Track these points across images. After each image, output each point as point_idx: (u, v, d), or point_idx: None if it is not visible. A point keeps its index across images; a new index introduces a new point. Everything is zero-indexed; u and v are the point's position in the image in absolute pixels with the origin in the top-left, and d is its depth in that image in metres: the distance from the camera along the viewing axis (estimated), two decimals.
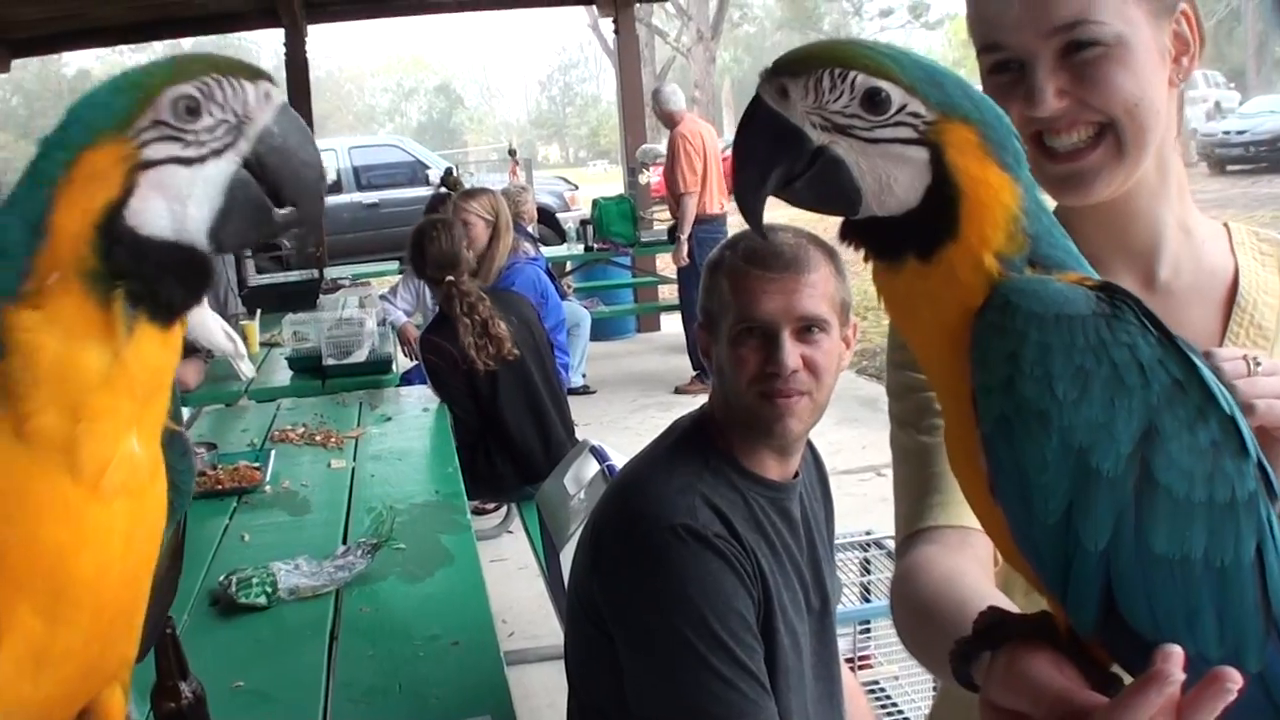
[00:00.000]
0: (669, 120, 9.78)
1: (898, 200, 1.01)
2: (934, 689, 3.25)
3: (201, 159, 0.97)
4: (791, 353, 2.08)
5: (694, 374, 9.73)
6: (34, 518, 0.92)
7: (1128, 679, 0.94)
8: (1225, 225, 1.58)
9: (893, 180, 1.01)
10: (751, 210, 1.06)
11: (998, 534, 1.02)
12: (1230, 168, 21.83)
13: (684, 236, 9.63)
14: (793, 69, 1.01)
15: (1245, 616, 0.95)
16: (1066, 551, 0.95)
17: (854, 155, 1.01)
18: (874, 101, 0.99)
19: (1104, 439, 0.93)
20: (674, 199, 9.79)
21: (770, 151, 1.03)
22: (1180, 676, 0.84)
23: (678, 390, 9.71)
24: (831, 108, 1.00)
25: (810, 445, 2.40)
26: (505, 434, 5.17)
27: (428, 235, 5.31)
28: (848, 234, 1.06)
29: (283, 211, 1.02)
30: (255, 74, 1.00)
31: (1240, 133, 21.94)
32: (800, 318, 2.09)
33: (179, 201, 0.96)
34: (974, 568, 1.38)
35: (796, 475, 2.27)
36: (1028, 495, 0.95)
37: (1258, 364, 1.21)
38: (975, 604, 1.24)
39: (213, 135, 0.97)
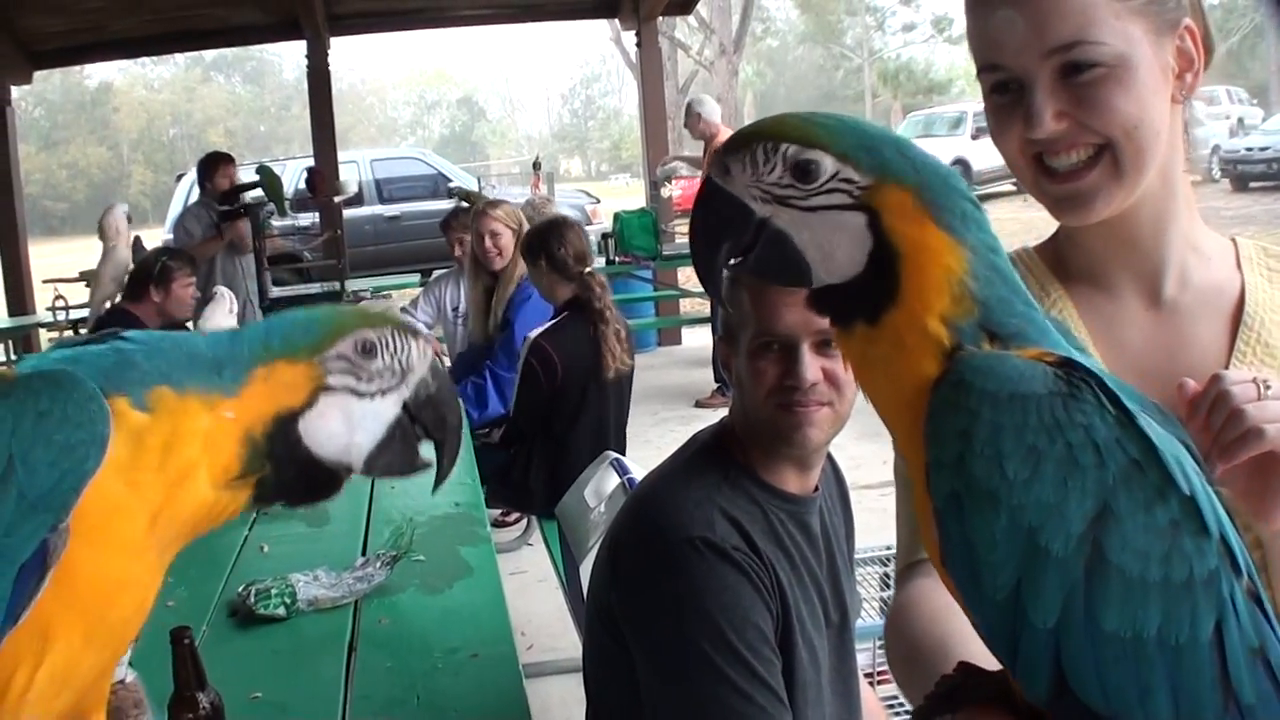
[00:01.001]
0: (707, 131, 9.75)
1: (842, 267, 1.03)
2: None
3: (371, 395, 1.19)
4: (811, 365, 2.07)
5: (715, 387, 9.72)
6: (115, 550, 1.08)
7: None
8: (1233, 240, 1.57)
9: (834, 247, 1.03)
10: (711, 283, 1.09)
11: (954, 594, 1.02)
12: (1253, 184, 21.70)
13: None
14: (732, 146, 1.05)
15: (1201, 693, 0.94)
16: (1015, 627, 0.95)
17: (795, 225, 1.03)
18: (805, 171, 1.02)
19: (1055, 519, 0.93)
20: None
21: (719, 226, 1.06)
22: None
23: (699, 404, 9.72)
24: (767, 180, 1.03)
25: (830, 459, 2.39)
26: (561, 452, 5.08)
27: (565, 225, 5.28)
28: (811, 301, 1.09)
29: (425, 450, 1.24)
30: (415, 332, 1.23)
31: (1263, 149, 21.80)
32: (820, 330, 2.08)
33: (349, 426, 1.18)
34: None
35: (816, 489, 2.26)
36: (976, 571, 0.96)
37: (1268, 387, 1.20)
38: (956, 647, 1.27)
39: (382, 377, 1.20)
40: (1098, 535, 0.93)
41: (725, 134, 9.74)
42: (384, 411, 1.19)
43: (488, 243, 6.18)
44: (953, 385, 0.97)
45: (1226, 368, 1.43)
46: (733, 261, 1.08)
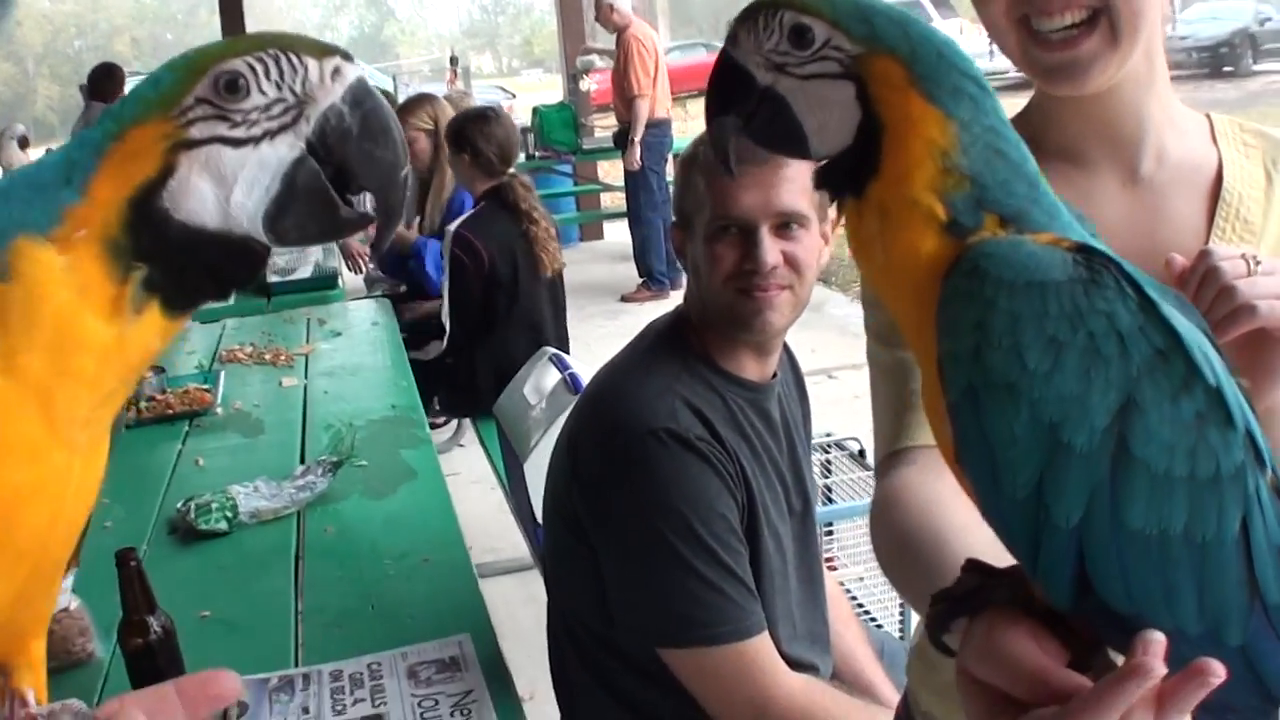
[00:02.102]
0: (619, 22, 9.70)
1: (834, 138, 0.99)
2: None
3: (253, 140, 0.89)
4: (770, 249, 2.01)
5: (640, 281, 9.70)
6: (2, 456, 0.86)
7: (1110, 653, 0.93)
8: (1207, 116, 1.53)
9: (827, 117, 0.99)
10: (721, 151, 1.06)
11: (969, 493, 0.97)
12: (1173, 73, 21.84)
13: (637, 139, 9.61)
14: (742, 14, 1.02)
15: (1227, 592, 0.90)
16: (1036, 527, 0.90)
17: (792, 94, 1.00)
18: (800, 37, 0.98)
19: (1077, 413, 0.88)
20: (624, 103, 9.74)
21: (727, 95, 1.04)
22: (1161, 670, 0.81)
23: (624, 299, 9.68)
24: (767, 47, 1.00)
25: (786, 346, 2.34)
26: (502, 346, 4.98)
27: (494, 118, 5.16)
28: (816, 177, 1.04)
29: (354, 204, 0.94)
30: (323, 50, 0.92)
31: (1182, 38, 21.97)
32: (779, 213, 2.02)
33: (222, 184, 0.89)
34: (952, 495, 1.34)
35: (775, 376, 2.21)
36: (995, 469, 0.90)
37: (1257, 263, 1.16)
38: (953, 541, 1.22)
39: (266, 115, 0.90)
40: (1122, 429, 0.88)
41: (636, 24, 9.75)
42: (273, 156, 0.90)
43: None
44: (966, 273, 0.91)
45: (1206, 244, 1.39)
46: (739, 131, 1.04)
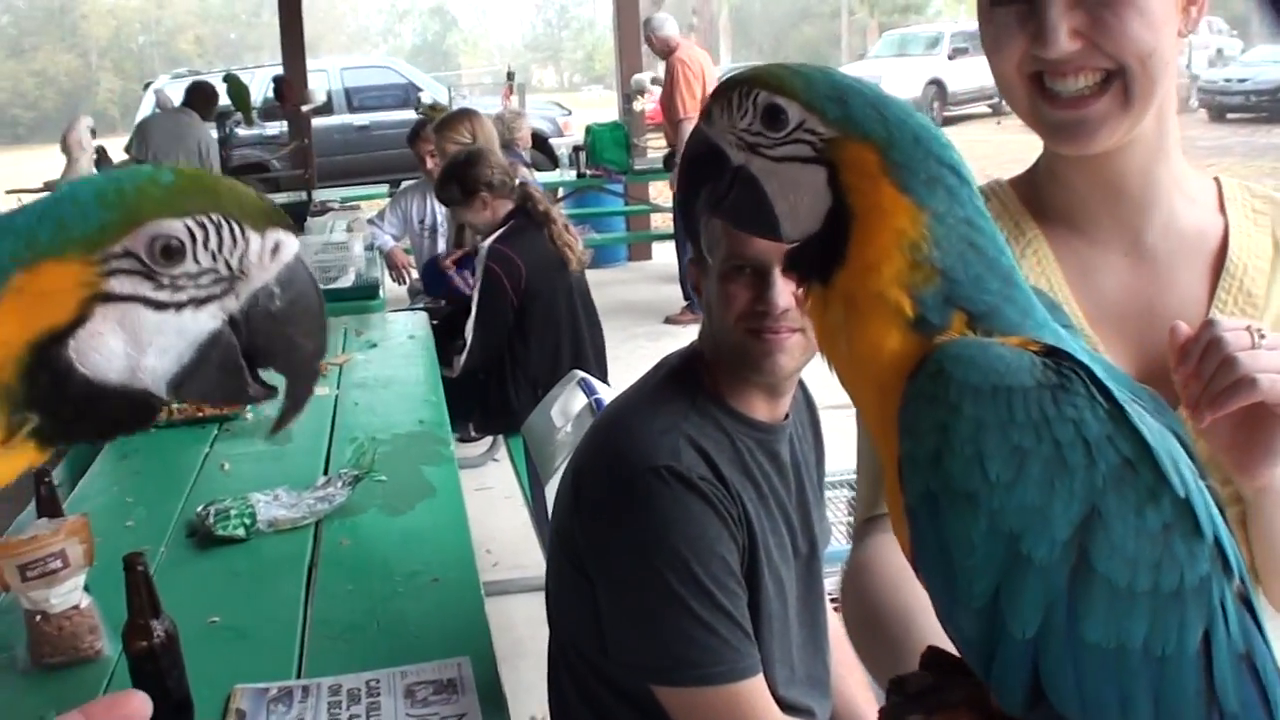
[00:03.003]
0: (664, 47, 9.70)
1: (805, 223, 0.98)
2: None
3: (177, 306, 0.83)
4: (783, 291, 2.01)
5: (685, 304, 9.68)
6: None
7: None
8: (1216, 180, 1.51)
9: (799, 201, 0.97)
10: (689, 229, 1.09)
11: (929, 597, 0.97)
12: (1230, 115, 21.68)
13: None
14: (716, 92, 1.01)
15: (1184, 704, 0.90)
16: (991, 636, 0.89)
17: (765, 175, 0.98)
18: (774, 118, 0.97)
19: (1039, 524, 0.87)
20: (671, 125, 9.73)
21: (699, 171, 1.02)
22: None
23: (668, 320, 9.68)
24: (740, 126, 0.98)
25: (802, 385, 2.34)
26: (531, 363, 5.04)
27: (480, 156, 5.27)
28: (785, 259, 1.03)
29: (261, 381, 0.89)
30: (268, 221, 0.86)
31: (1241, 80, 21.76)
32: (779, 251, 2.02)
33: (136, 346, 0.83)
34: None
35: (787, 417, 2.22)
36: (951, 576, 0.90)
37: (1262, 336, 1.16)
38: (919, 619, 1.21)
39: (195, 283, 0.84)
40: (1084, 542, 0.87)
41: (684, 47, 9.74)
42: (194, 326, 0.84)
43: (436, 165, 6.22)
44: (931, 375, 0.90)
45: (1207, 314, 1.38)
46: (711, 208, 1.03)
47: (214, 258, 0.84)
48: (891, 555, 1.35)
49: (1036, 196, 1.49)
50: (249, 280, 0.85)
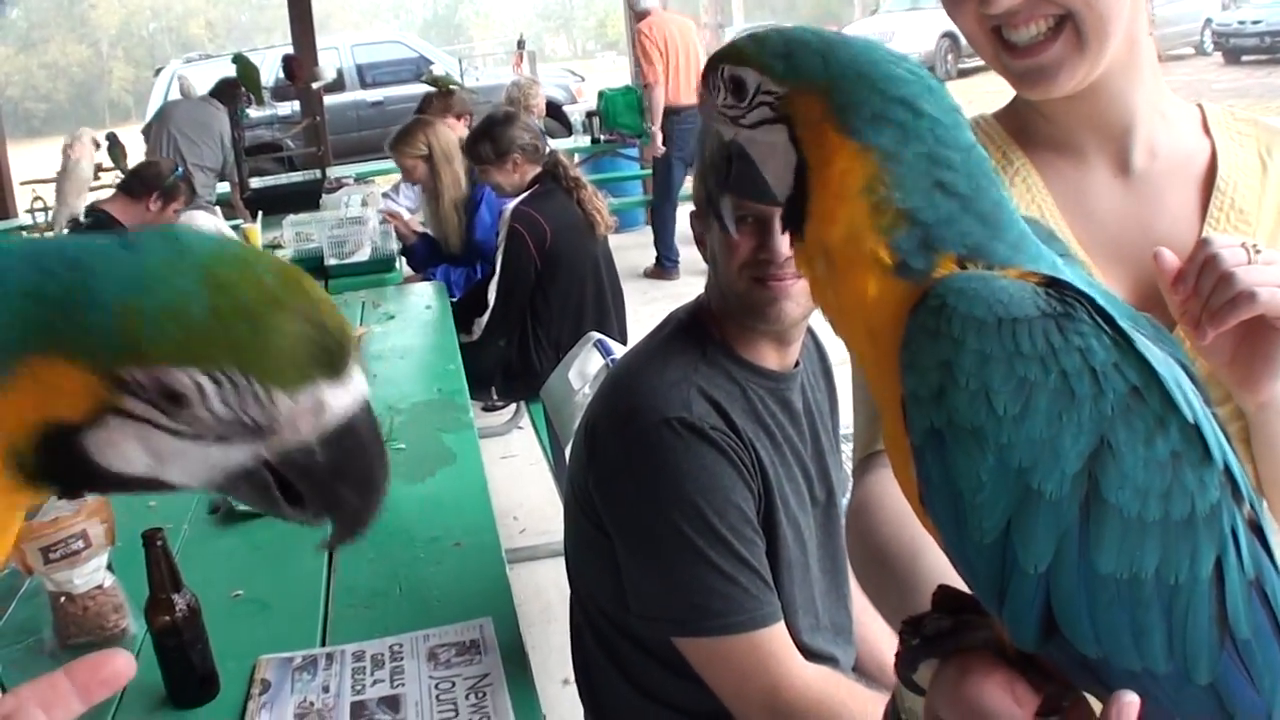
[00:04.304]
0: (637, 19, 10.02)
1: (783, 183, 0.97)
2: None
3: (195, 438, 0.74)
4: (785, 239, 2.00)
5: (654, 262, 10.12)
6: None
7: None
8: (1199, 106, 1.51)
9: (775, 162, 0.97)
10: (716, 215, 1.06)
11: (934, 534, 0.95)
12: (1245, 58, 21.50)
13: (654, 128, 9.82)
14: (702, 74, 1.02)
15: (1198, 631, 0.88)
16: (1002, 572, 0.88)
17: (749, 144, 0.99)
18: (739, 88, 0.97)
19: (1048, 457, 0.85)
20: (646, 94, 10.00)
21: (701, 151, 1.06)
22: None
23: (645, 274, 10.02)
24: (720, 103, 0.99)
25: (812, 333, 2.33)
26: (554, 326, 5.05)
27: (512, 117, 5.30)
28: (782, 223, 1.01)
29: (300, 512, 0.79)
30: (309, 376, 0.74)
31: (1255, 22, 21.55)
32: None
33: (158, 461, 0.75)
34: None
35: (797, 364, 2.21)
36: (960, 513, 0.88)
37: (1257, 251, 1.15)
38: (926, 554, 1.21)
39: (216, 426, 0.74)
40: (1095, 472, 0.85)
41: (653, 16, 9.93)
42: (221, 458, 0.75)
43: (409, 180, 6.35)
44: (932, 310, 0.88)
45: (1200, 234, 1.38)
46: (721, 184, 1.07)
47: (234, 410, 0.73)
48: (894, 493, 1.33)
49: (1022, 127, 1.49)
50: (280, 435, 0.75)
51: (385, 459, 0.82)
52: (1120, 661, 0.87)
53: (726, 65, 0.98)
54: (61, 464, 0.75)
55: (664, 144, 9.79)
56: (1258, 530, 0.93)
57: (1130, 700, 0.83)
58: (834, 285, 0.94)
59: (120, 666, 0.80)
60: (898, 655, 1.05)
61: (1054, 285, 0.90)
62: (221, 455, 0.75)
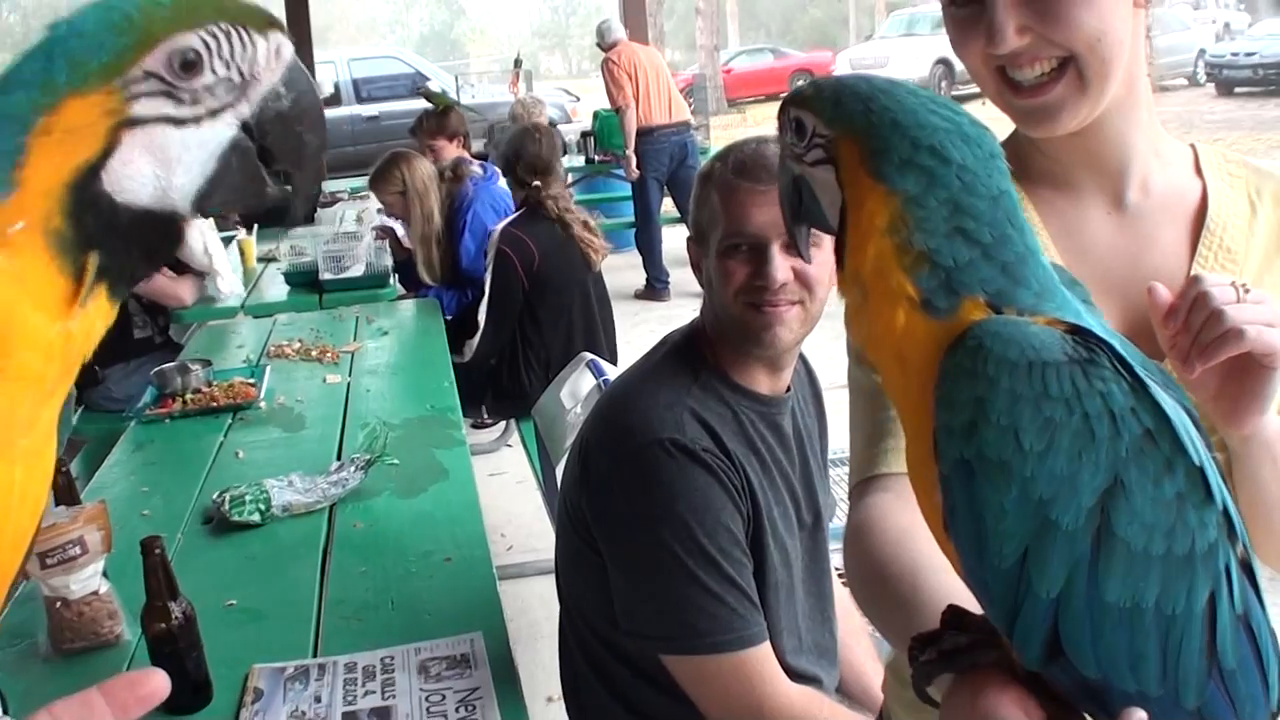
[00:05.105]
0: (606, 49, 10.37)
1: (833, 218, 1.07)
2: None
3: (196, 119, 0.85)
4: (781, 266, 2.05)
5: (644, 284, 10.21)
6: None
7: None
8: (1192, 146, 1.55)
9: (827, 198, 1.08)
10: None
11: (952, 557, 1.02)
12: (1238, 89, 21.63)
13: (628, 151, 10.10)
14: (778, 113, 1.13)
15: (1189, 660, 0.95)
16: (1017, 595, 0.95)
17: (809, 180, 1.10)
18: (800, 129, 1.08)
19: (1067, 492, 0.93)
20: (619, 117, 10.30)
21: (784, 186, 1.16)
22: None
23: (637, 296, 10.04)
24: (787, 141, 1.11)
25: (803, 358, 2.37)
26: (544, 346, 5.08)
27: (529, 136, 5.27)
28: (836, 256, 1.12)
29: (275, 183, 0.91)
30: (269, 23, 0.87)
31: (1249, 54, 21.69)
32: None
33: (165, 167, 0.84)
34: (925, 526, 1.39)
35: (788, 389, 2.25)
36: (982, 539, 0.95)
37: (1246, 290, 1.19)
38: (927, 575, 1.26)
39: (212, 94, 0.85)
40: (1107, 508, 0.92)
41: (620, 46, 10.33)
42: (213, 137, 0.86)
43: (391, 214, 6.32)
44: (969, 351, 0.95)
45: (1189, 272, 1.42)
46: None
47: (227, 66, 0.85)
48: (893, 514, 1.39)
49: (1019, 161, 1.52)
50: (259, 84, 0.87)
51: (322, 104, 0.94)
52: (1118, 683, 0.94)
53: (792, 108, 1.09)
54: (91, 223, 0.82)
55: (638, 166, 10.08)
56: (1248, 569, 1.00)
57: (1140, 716, 0.90)
58: (867, 314, 1.03)
59: (157, 685, 0.83)
60: (913, 672, 1.11)
61: (1078, 333, 0.97)
62: (213, 134, 0.86)
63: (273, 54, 0.88)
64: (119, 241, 0.84)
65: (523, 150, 5.17)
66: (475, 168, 6.39)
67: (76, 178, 0.81)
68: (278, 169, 0.91)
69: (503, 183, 5.97)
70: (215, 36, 0.84)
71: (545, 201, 5.08)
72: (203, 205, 0.88)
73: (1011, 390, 0.93)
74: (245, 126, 0.88)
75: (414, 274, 6.13)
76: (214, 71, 0.85)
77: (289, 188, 0.93)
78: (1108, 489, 0.93)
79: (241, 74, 0.86)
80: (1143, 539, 0.93)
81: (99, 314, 0.85)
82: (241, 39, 0.85)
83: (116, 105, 0.82)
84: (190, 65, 0.84)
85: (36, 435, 0.86)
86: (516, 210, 5.24)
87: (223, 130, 0.87)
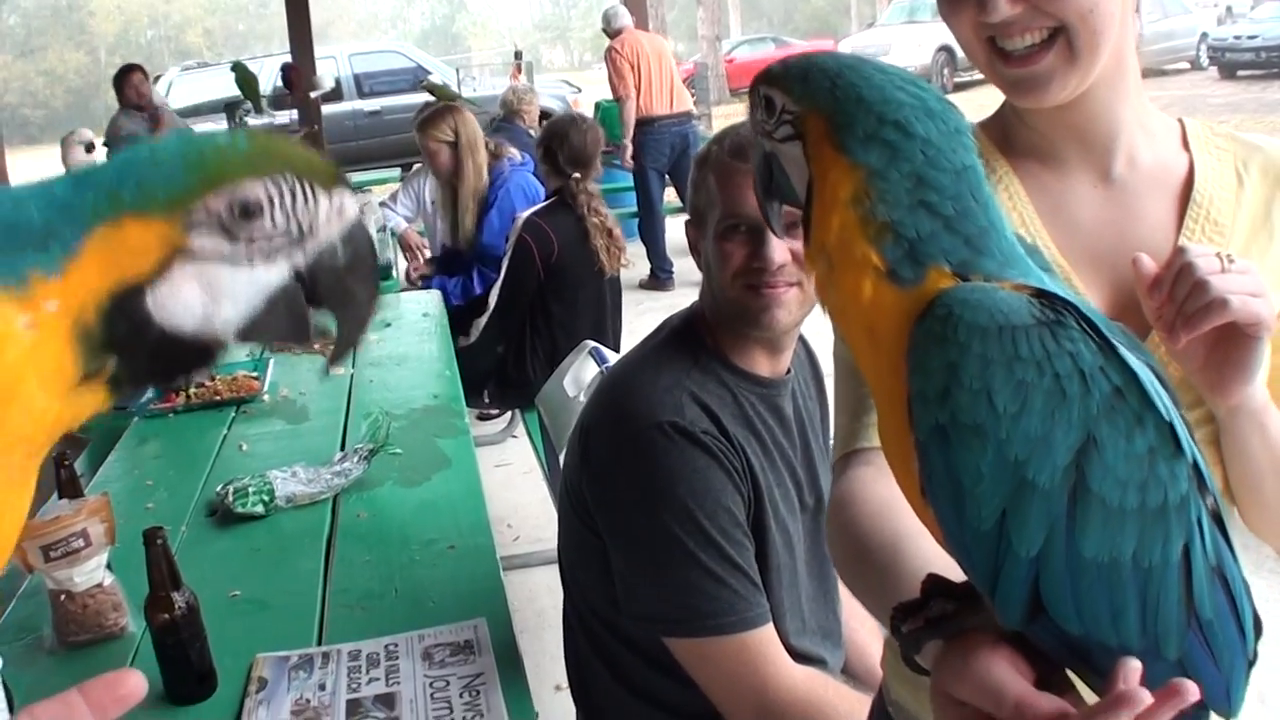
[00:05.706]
0: (611, 36, 10.46)
1: (801, 192, 1.09)
2: None
3: (250, 261, 0.88)
4: (779, 248, 2.05)
5: (649, 274, 10.26)
6: None
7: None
8: (1180, 120, 1.56)
9: (796, 173, 1.09)
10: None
11: (930, 524, 1.03)
12: (1240, 72, 21.58)
13: (626, 140, 10.17)
14: (749, 92, 1.16)
15: (1168, 612, 0.97)
16: (997, 556, 0.96)
17: (779, 156, 1.12)
18: (770, 106, 1.09)
19: (1042, 451, 0.94)
20: (620, 107, 10.39)
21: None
22: (1148, 696, 0.87)
23: (641, 285, 10.07)
24: (757, 119, 1.12)
25: (803, 340, 2.37)
26: (562, 336, 5.06)
27: (575, 126, 5.27)
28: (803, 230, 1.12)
29: (320, 326, 0.94)
30: (335, 180, 0.90)
31: (1251, 37, 21.63)
32: (787, 213, 2.04)
33: (213, 299, 0.87)
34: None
35: (788, 371, 2.25)
36: (960, 503, 0.96)
37: (1231, 261, 1.19)
38: (907, 547, 1.27)
39: (269, 241, 0.88)
40: (1082, 465, 0.94)
41: (625, 35, 10.40)
42: (265, 279, 0.88)
43: (431, 164, 6.25)
44: (939, 318, 0.96)
45: (1176, 244, 1.42)
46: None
47: (288, 217, 0.87)
48: (874, 486, 1.40)
49: (1005, 135, 1.53)
50: (316, 238, 0.89)
51: (377, 260, 0.98)
52: (1099, 638, 0.95)
53: (762, 86, 1.10)
54: (124, 333, 0.84)
55: (635, 156, 10.15)
56: (1218, 520, 1.02)
57: (1134, 664, 0.90)
58: (834, 284, 1.03)
59: (134, 685, 0.85)
60: (901, 641, 1.12)
61: (1044, 296, 0.98)
62: (265, 276, 0.88)
63: (335, 212, 0.90)
64: (142, 356, 0.86)
65: (568, 138, 5.16)
66: (514, 150, 6.44)
67: (121, 289, 0.84)
68: (319, 307, 0.93)
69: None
70: (280, 188, 0.87)
71: (579, 195, 5.08)
72: (245, 338, 0.90)
73: (983, 354, 0.94)
74: (298, 273, 0.90)
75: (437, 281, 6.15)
76: (274, 221, 0.87)
77: (330, 331, 0.95)
78: (1081, 447, 0.94)
79: (300, 227, 0.89)
80: (1117, 494, 0.94)
81: (94, 403, 0.87)
82: (305, 193, 0.88)
83: (175, 236, 0.85)
84: (250, 212, 0.86)
85: (14, 477, 0.87)
86: (546, 200, 5.24)
87: (275, 275, 0.89)
